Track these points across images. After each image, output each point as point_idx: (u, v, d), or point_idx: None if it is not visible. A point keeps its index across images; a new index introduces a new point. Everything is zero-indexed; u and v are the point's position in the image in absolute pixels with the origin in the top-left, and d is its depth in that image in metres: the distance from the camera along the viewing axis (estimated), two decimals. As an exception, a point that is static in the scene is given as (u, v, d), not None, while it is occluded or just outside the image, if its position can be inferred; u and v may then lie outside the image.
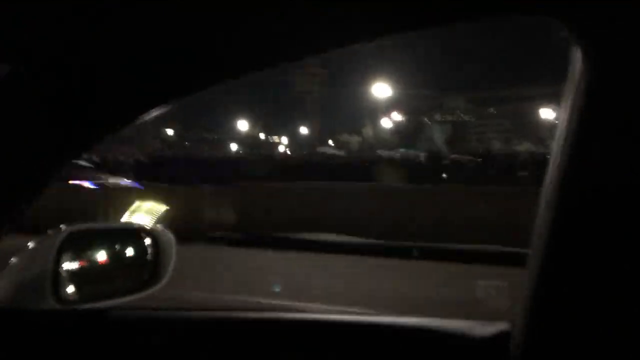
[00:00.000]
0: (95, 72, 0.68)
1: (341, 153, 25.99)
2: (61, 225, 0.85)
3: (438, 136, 34.60)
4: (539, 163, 11.22)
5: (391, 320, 0.83)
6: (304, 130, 40.12)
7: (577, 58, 0.52)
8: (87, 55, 0.66)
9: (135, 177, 12.39)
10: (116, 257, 0.99)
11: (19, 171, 0.72)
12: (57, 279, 0.83)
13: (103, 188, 10.41)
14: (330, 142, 37.59)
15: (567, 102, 0.54)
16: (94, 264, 0.95)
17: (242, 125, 40.31)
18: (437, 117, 38.86)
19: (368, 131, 38.23)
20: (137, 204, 8.00)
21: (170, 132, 38.64)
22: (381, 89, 32.94)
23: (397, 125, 38.41)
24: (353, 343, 0.81)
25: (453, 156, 18.00)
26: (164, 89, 0.70)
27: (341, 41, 0.61)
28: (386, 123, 38.26)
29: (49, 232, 0.86)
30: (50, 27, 0.63)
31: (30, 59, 0.67)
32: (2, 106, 0.68)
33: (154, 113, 0.72)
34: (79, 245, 0.90)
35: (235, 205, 8.35)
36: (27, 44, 0.66)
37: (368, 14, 0.56)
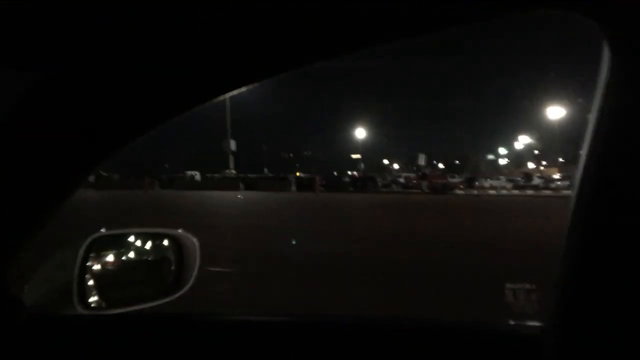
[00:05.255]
0: (115, 82, 0.68)
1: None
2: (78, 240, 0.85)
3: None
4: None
5: (426, 322, 0.83)
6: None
7: (605, 57, 0.50)
8: (108, 64, 0.66)
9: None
10: (140, 262, 0.99)
11: (45, 179, 0.73)
12: (83, 285, 0.84)
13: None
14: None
15: (597, 104, 0.52)
16: (119, 269, 0.96)
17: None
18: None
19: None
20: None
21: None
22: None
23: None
24: (392, 343, 0.81)
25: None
26: (177, 99, 0.70)
27: (358, 44, 0.59)
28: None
29: (75, 239, 0.87)
30: (75, 36, 0.63)
31: (54, 67, 0.67)
32: (26, 113, 0.69)
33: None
34: (103, 251, 0.90)
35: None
36: (53, 53, 0.66)
37: (392, 15, 0.55)
